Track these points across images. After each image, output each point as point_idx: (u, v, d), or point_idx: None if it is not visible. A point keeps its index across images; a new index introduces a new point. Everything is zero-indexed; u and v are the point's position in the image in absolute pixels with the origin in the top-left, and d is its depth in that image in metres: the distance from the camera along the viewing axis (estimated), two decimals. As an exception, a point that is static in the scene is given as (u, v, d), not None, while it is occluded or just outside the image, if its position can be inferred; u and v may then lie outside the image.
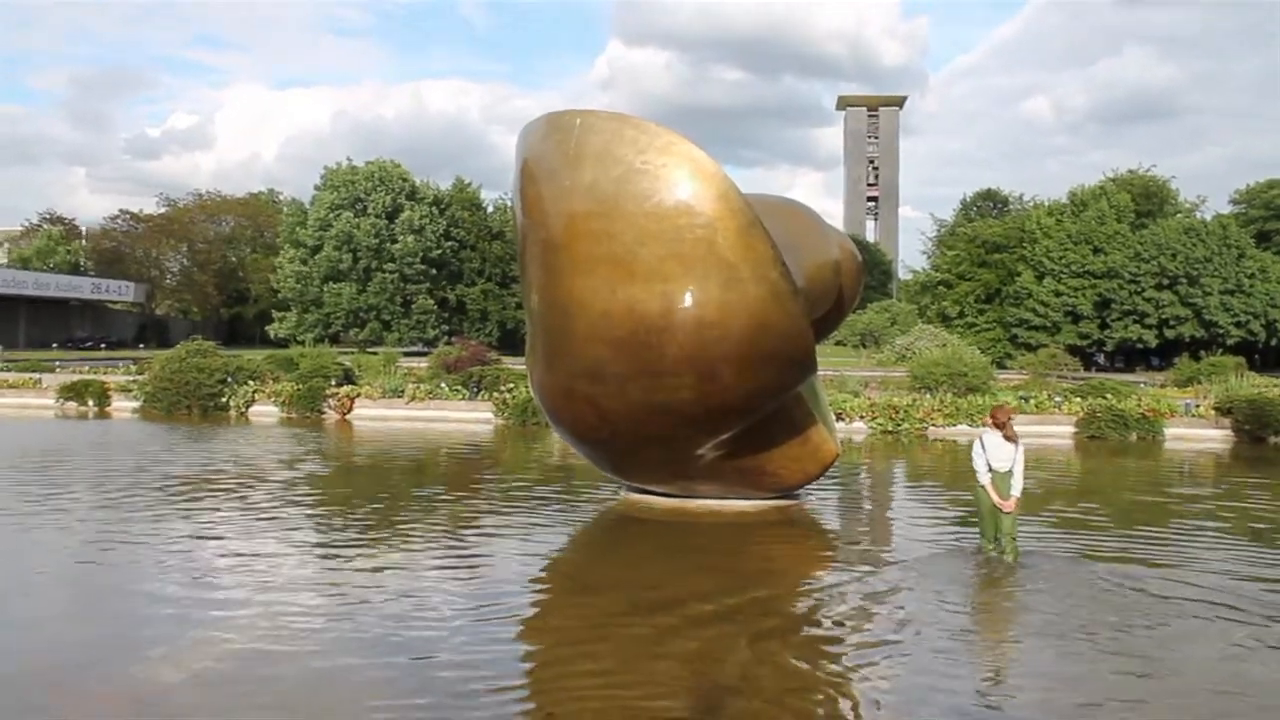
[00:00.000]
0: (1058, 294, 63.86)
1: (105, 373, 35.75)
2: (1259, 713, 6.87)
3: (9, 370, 38.08)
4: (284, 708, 6.69)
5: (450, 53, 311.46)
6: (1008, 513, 10.90)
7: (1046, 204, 73.39)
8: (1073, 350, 56.05)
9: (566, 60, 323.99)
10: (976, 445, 11.16)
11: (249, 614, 8.75)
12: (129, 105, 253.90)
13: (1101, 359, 65.19)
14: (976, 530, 11.34)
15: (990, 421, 11.29)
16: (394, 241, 76.94)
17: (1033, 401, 25.88)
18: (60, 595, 9.82)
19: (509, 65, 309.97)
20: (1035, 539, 12.10)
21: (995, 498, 10.88)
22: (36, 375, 34.79)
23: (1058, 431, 24.15)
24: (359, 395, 28.34)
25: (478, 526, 12.92)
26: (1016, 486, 10.91)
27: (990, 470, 10.96)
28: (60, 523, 12.99)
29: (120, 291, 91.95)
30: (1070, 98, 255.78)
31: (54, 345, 76.12)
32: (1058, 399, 26.17)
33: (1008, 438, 11.02)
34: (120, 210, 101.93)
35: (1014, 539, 10.97)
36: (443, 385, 29.10)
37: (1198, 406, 25.55)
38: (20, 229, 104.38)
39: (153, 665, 7.42)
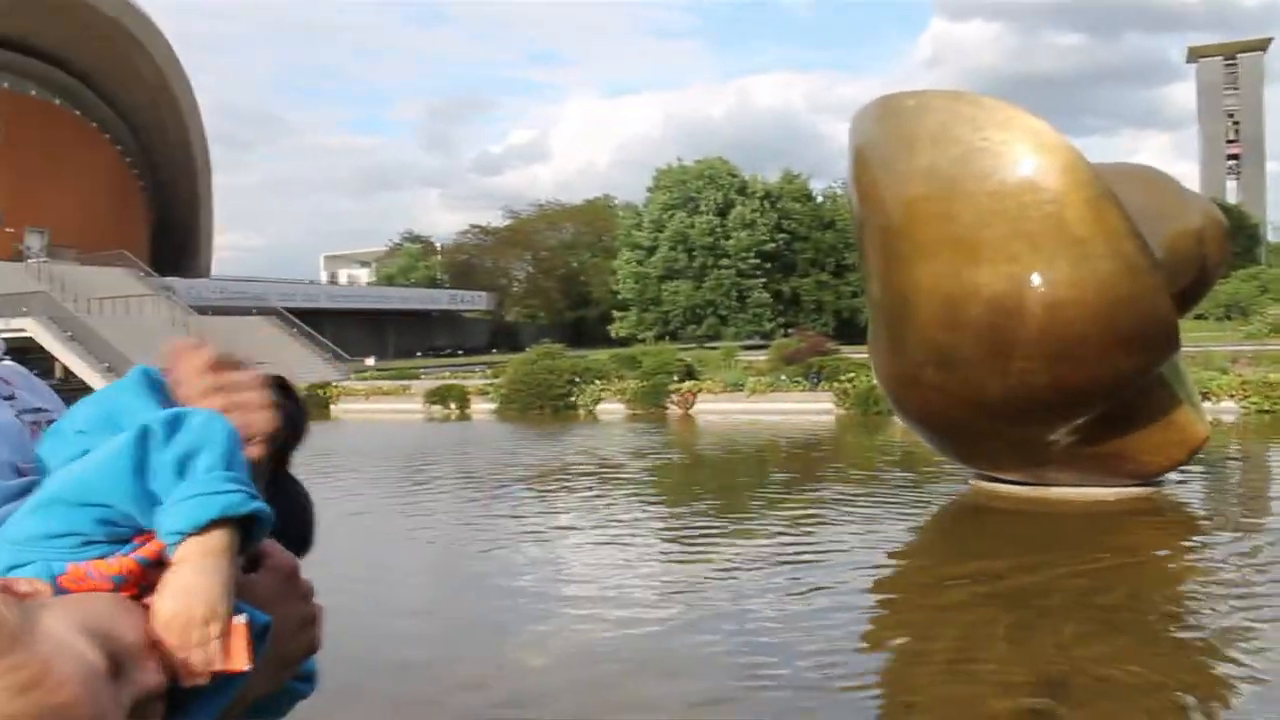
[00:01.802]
0: None
1: (464, 377, 38.27)
2: None
3: (382, 379, 41.48)
4: (637, 691, 6.95)
5: (772, 46, 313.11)
6: None
7: None
8: None
9: (890, 42, 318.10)
10: None
11: (604, 602, 9.14)
12: (473, 127, 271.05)
13: None
14: None
15: None
16: (727, 238, 77.96)
17: None
18: (435, 585, 10.66)
19: (831, 53, 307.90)
20: None
21: None
22: (405, 382, 37.71)
23: None
24: (700, 390, 28.93)
25: (823, 518, 12.89)
26: None
27: None
28: (432, 516, 14.07)
29: (473, 301, 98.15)
30: None
31: (417, 354, 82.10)
32: None
33: None
34: (470, 225, 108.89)
35: None
36: (782, 377, 29.25)
37: None
38: (385, 249, 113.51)
39: (520, 649, 7.90)
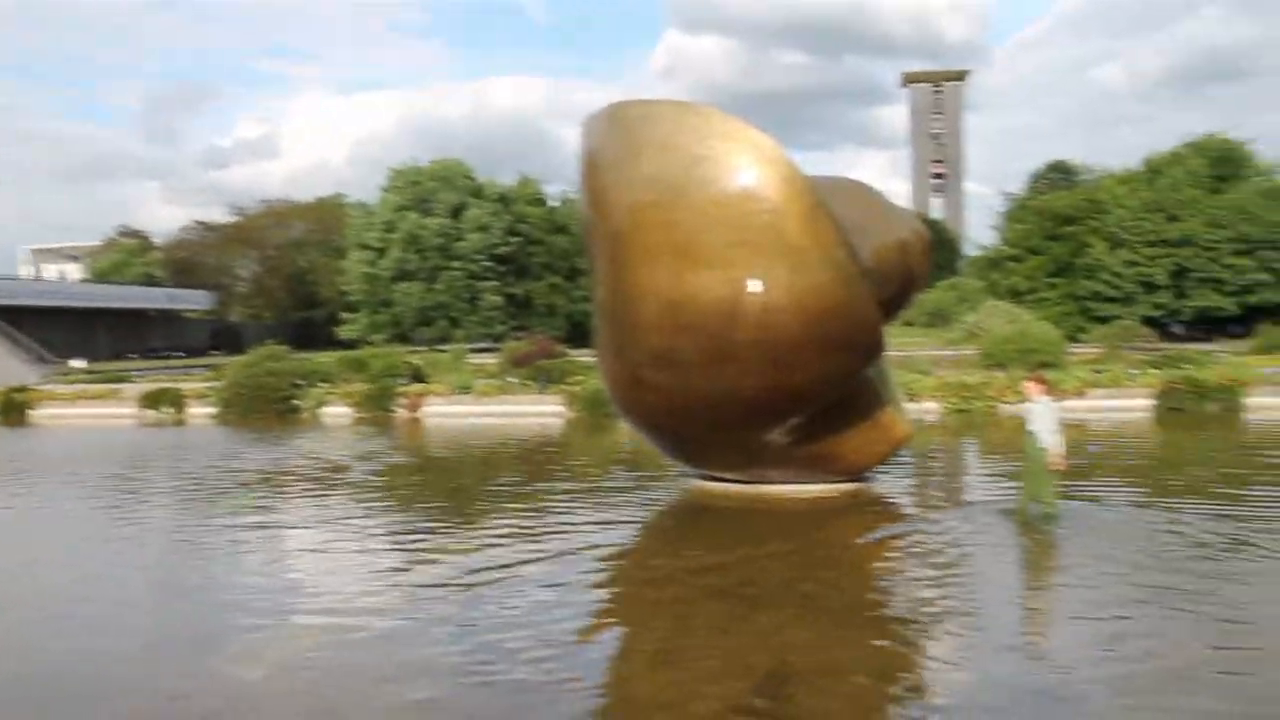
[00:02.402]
0: (1131, 264, 62.41)
1: (182, 380, 36.43)
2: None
3: (90, 381, 38.98)
4: (360, 697, 6.79)
5: (512, 49, 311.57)
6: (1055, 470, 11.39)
7: (1118, 173, 71.94)
8: (1148, 321, 54.85)
9: (628, 51, 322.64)
10: (1047, 410, 11.46)
11: (324, 607, 8.93)
12: (199, 118, 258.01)
13: (1180, 329, 63.65)
14: (1039, 502, 11.55)
15: (1041, 389, 11.67)
16: (460, 240, 77.32)
17: (1106, 375, 25.37)
18: (138, 591, 10.10)
19: (570, 59, 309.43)
20: (1101, 503, 12.28)
21: (1058, 458, 11.29)
22: (117, 385, 35.55)
23: (1134, 405, 23.65)
24: (429, 393, 28.58)
25: (548, 518, 12.91)
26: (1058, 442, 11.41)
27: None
28: (140, 523, 13.36)
29: (193, 300, 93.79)
30: (1144, 62, 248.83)
31: (132, 355, 77.75)
32: (1133, 372, 25.63)
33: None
34: (193, 221, 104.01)
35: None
36: (511, 380, 29.24)
37: (1281, 373, 24.86)
38: (98, 243, 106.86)
39: (231, 660, 7.59)
